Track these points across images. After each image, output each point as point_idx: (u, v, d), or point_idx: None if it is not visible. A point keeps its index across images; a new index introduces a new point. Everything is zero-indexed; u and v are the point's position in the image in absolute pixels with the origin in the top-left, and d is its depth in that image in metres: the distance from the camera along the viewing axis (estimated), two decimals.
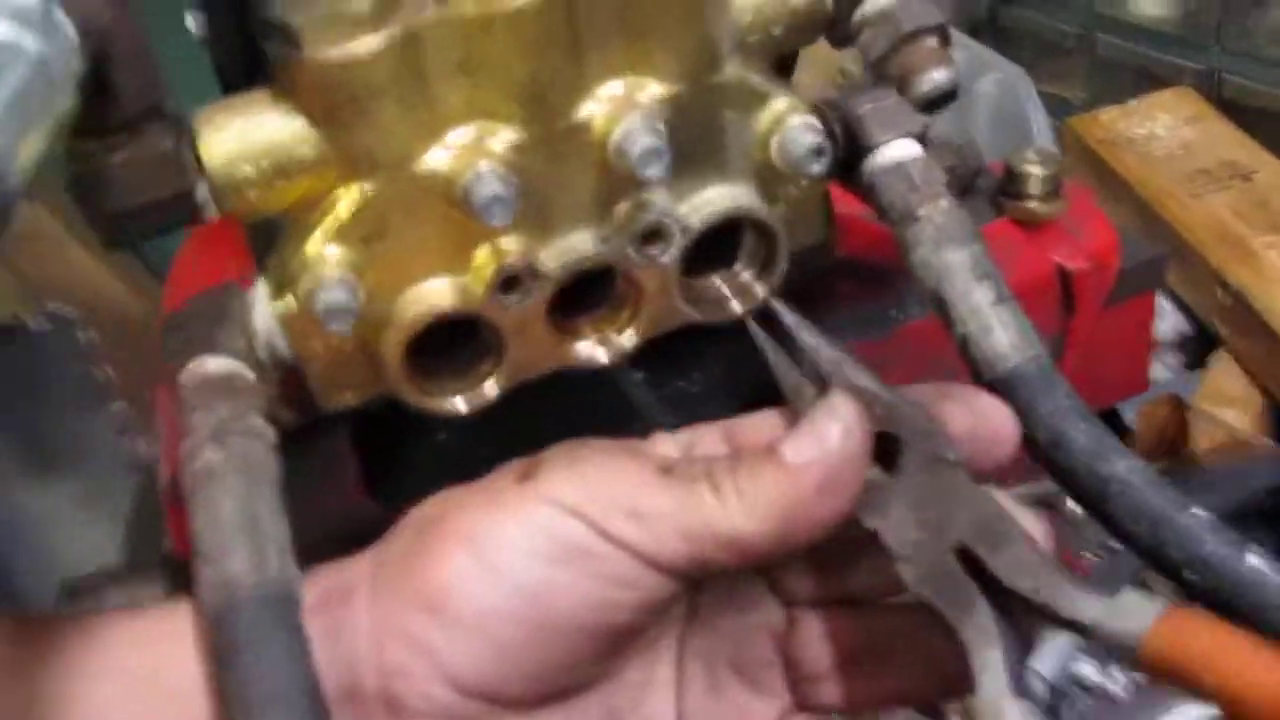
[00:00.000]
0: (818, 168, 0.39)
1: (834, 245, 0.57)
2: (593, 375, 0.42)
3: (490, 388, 0.40)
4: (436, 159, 0.36)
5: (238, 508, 0.34)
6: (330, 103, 0.34)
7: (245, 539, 0.33)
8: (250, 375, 0.39)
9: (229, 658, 0.31)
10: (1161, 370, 0.85)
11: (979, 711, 0.31)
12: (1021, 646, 0.32)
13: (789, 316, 0.38)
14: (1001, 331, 0.42)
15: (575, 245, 0.38)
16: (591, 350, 0.40)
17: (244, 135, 0.35)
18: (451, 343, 0.41)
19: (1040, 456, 0.41)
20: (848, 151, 0.45)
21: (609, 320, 0.41)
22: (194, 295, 0.41)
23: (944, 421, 0.35)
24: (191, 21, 0.40)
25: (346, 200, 0.36)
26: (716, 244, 0.42)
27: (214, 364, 0.38)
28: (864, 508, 0.34)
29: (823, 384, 0.36)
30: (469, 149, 0.36)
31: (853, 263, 0.62)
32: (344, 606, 0.34)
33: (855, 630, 0.37)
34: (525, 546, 0.32)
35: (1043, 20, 1.07)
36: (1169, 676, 0.30)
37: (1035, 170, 0.63)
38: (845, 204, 0.56)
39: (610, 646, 0.34)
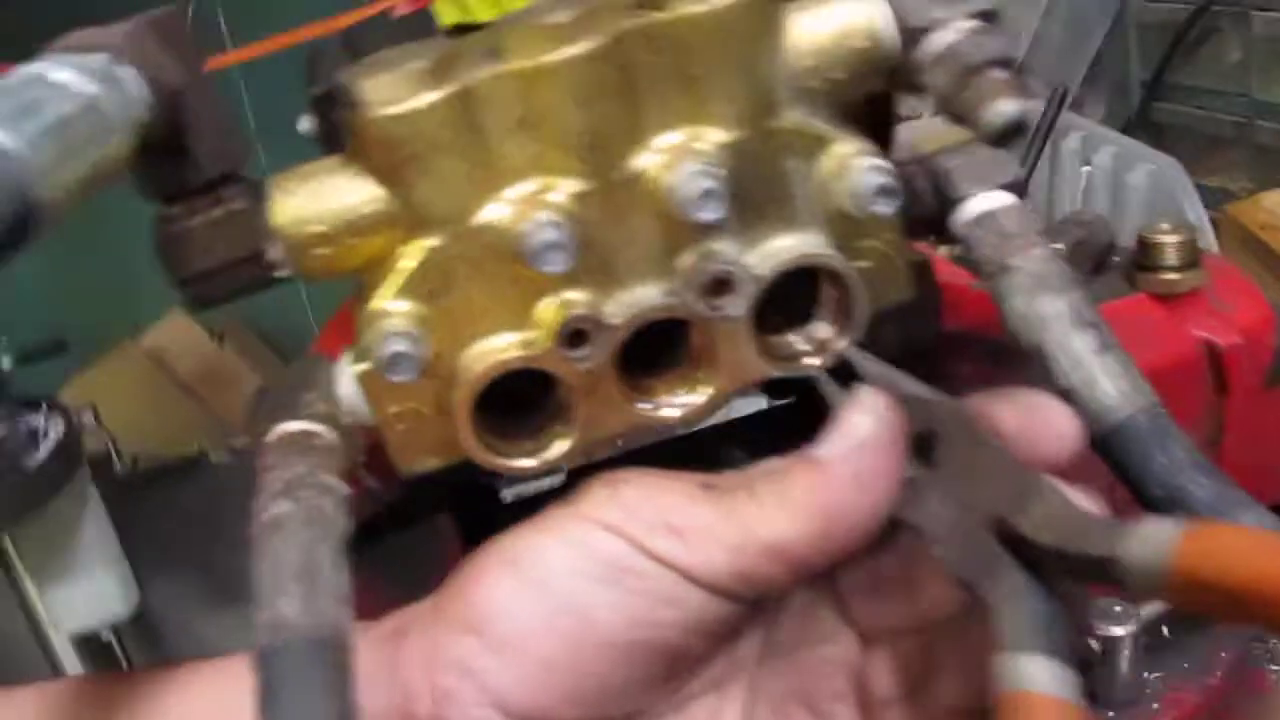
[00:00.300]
0: (886, 209, 0.38)
1: (937, 313, 0.55)
2: (694, 457, 0.41)
3: (560, 447, 0.39)
4: (496, 213, 0.36)
5: (297, 556, 0.34)
6: (391, 160, 0.35)
7: (301, 585, 0.33)
8: (329, 436, 0.39)
9: (270, 696, 0.30)
10: None
11: (999, 666, 0.28)
12: (1059, 608, 0.30)
13: (852, 354, 0.38)
14: (1108, 382, 0.39)
15: (641, 298, 0.38)
16: (663, 409, 0.40)
17: (313, 195, 0.36)
18: (526, 406, 0.41)
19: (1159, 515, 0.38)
20: (938, 207, 0.44)
21: (683, 379, 0.40)
22: (285, 367, 0.43)
23: (992, 419, 0.33)
24: (302, 123, 0.43)
25: (410, 256, 0.37)
26: (797, 299, 0.41)
27: (293, 426, 0.39)
28: (905, 505, 0.33)
29: None
30: (528, 202, 0.36)
31: (973, 340, 0.60)
32: (401, 640, 0.35)
33: (918, 650, 0.35)
34: (567, 565, 0.32)
35: (1198, 112, 1.03)
36: (1201, 602, 0.25)
37: (1169, 239, 0.60)
38: (960, 276, 0.54)
39: (663, 671, 0.33)
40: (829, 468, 0.32)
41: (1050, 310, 0.40)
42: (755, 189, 0.38)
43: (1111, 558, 0.27)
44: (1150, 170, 0.92)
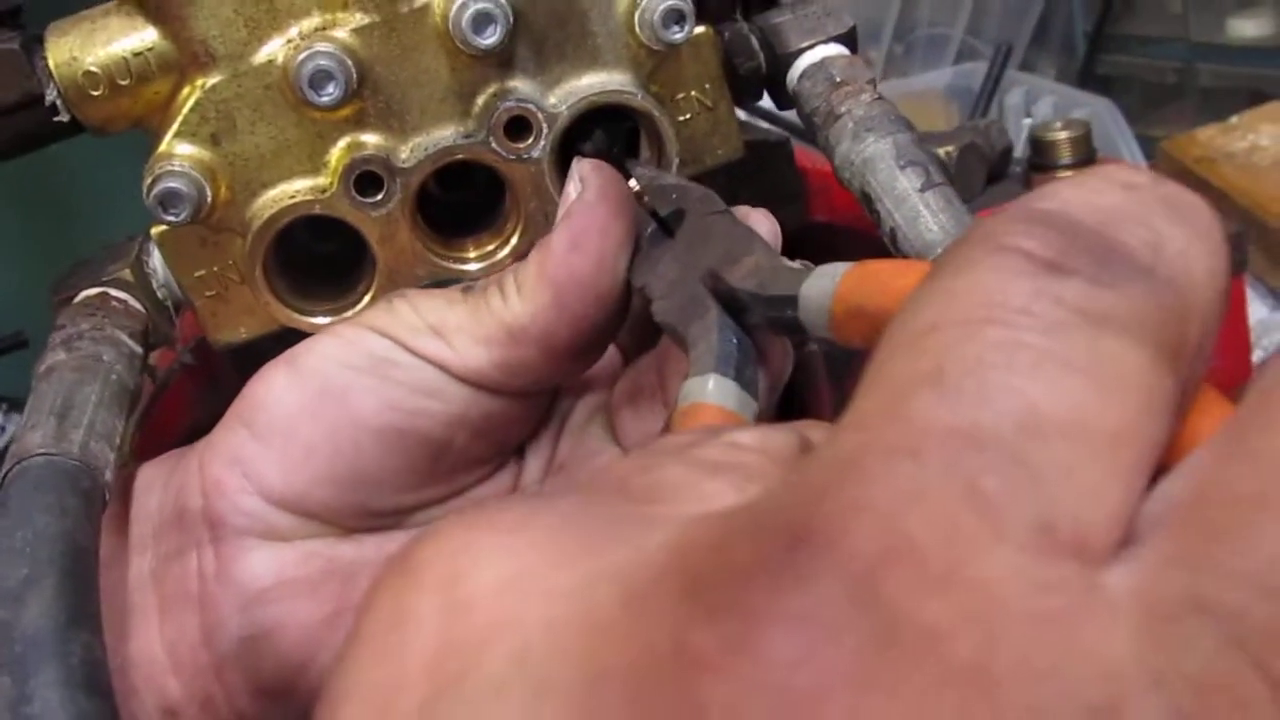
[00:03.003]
0: (679, 34, 0.36)
1: (801, 196, 0.53)
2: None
3: (364, 305, 0.38)
4: (275, 49, 0.35)
5: (58, 393, 0.33)
6: None
7: (53, 419, 0.32)
8: (130, 299, 0.38)
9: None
10: None
11: (685, 390, 0.28)
12: (749, 343, 0.29)
13: (630, 164, 0.37)
14: (930, 218, 0.38)
15: (437, 140, 0.37)
16: (467, 260, 0.38)
17: (87, 36, 0.35)
18: (338, 270, 0.40)
19: None
20: (770, 64, 0.43)
21: (493, 236, 0.39)
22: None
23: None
24: None
25: (189, 97, 0.36)
26: (615, 151, 0.40)
27: (91, 291, 0.38)
28: (641, 273, 0.33)
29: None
30: (308, 37, 0.35)
31: (866, 243, 0.58)
32: (191, 448, 0.35)
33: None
34: (334, 357, 0.33)
35: (1141, 60, 1.01)
36: (860, 333, 0.24)
37: (1061, 135, 0.58)
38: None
39: (426, 465, 0.34)
40: (551, 240, 0.33)
41: (874, 151, 0.39)
42: (552, 26, 0.37)
43: (794, 295, 0.26)
44: (1088, 114, 0.91)
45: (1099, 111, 0.90)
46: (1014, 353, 0.16)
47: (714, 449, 0.19)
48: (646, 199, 0.36)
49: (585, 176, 0.33)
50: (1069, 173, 0.59)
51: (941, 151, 0.61)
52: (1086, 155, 0.58)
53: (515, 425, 0.35)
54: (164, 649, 0.33)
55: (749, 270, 0.30)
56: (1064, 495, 0.15)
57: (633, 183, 0.37)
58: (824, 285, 0.25)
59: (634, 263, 0.34)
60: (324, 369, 0.33)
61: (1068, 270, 0.17)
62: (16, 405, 1.27)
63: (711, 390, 0.27)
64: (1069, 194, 0.18)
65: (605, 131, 0.40)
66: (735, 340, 0.29)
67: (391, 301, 0.34)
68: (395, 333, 0.33)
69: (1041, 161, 0.59)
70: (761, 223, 0.34)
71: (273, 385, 0.33)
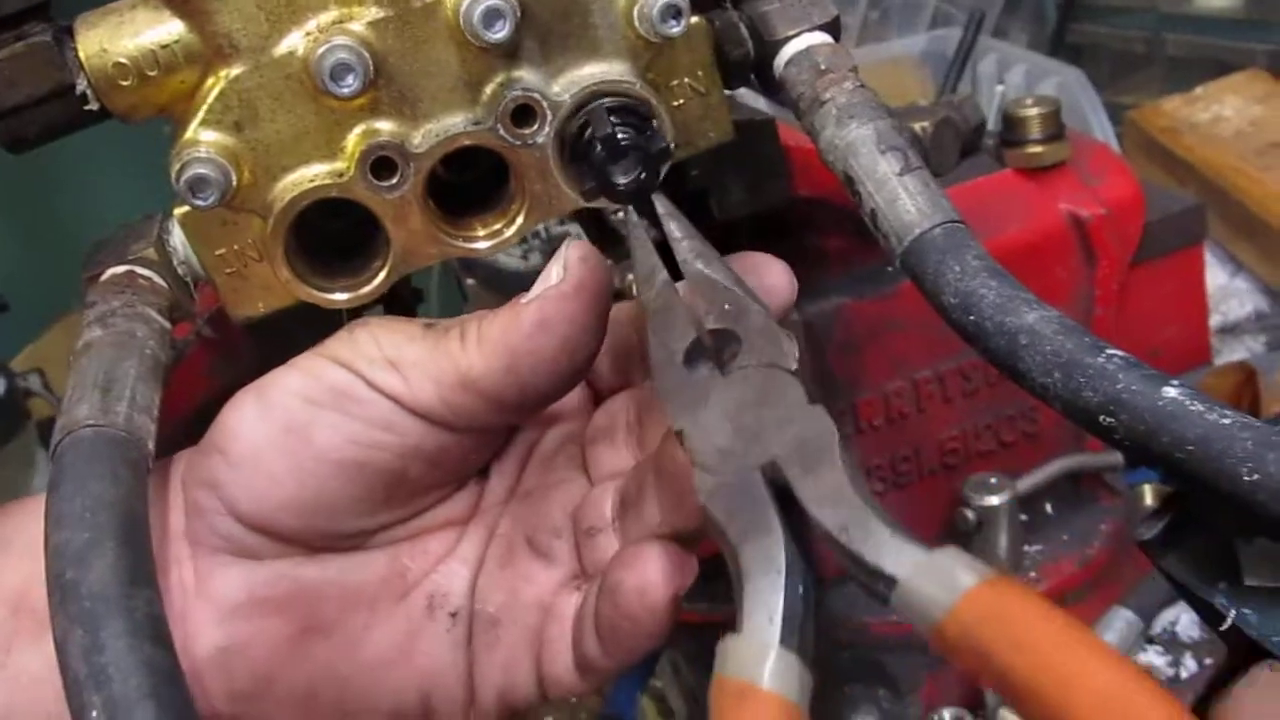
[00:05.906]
0: (675, 28, 0.39)
1: (785, 173, 0.56)
2: None
3: (377, 280, 0.40)
4: (295, 42, 0.37)
5: (99, 368, 0.35)
6: None
7: (97, 392, 0.34)
8: (155, 277, 0.41)
9: (54, 485, 0.32)
10: (1244, 353, 0.79)
11: (738, 654, 0.25)
12: (812, 589, 0.26)
13: (662, 204, 0.39)
14: (908, 200, 0.40)
15: (448, 127, 0.39)
16: (476, 242, 0.41)
17: (115, 28, 0.37)
18: (355, 250, 0.42)
19: (954, 324, 0.39)
20: (758, 51, 0.45)
21: (500, 215, 0.41)
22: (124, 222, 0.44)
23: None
24: None
25: (213, 87, 0.38)
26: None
27: (118, 269, 0.41)
28: (675, 404, 0.31)
29: (676, 270, 0.36)
30: (325, 30, 0.37)
31: (838, 212, 0.60)
32: (176, 462, 0.37)
33: (633, 481, 0.37)
34: (298, 391, 0.35)
35: (1110, 30, 1.04)
36: (965, 660, 0.22)
37: (1032, 112, 0.61)
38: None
39: (383, 493, 0.36)
40: (519, 310, 0.34)
41: (857, 136, 0.41)
42: (556, 19, 0.39)
43: (894, 577, 0.24)
44: (1058, 83, 0.93)
45: (1069, 81, 0.93)
46: None
47: None
48: (690, 299, 0.33)
49: (570, 265, 0.34)
50: (1039, 148, 0.61)
51: (918, 126, 0.63)
52: (1055, 131, 0.61)
53: (470, 456, 0.37)
54: None
55: (826, 494, 0.26)
56: None
57: (679, 250, 0.35)
58: (939, 595, 0.23)
59: (669, 380, 0.31)
60: (288, 404, 0.35)
61: None
62: (0, 368, 1.28)
63: (770, 672, 0.24)
64: None
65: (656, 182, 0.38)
66: (802, 588, 0.25)
67: (354, 331, 0.36)
68: (354, 364, 0.35)
69: (1012, 137, 0.62)
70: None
71: (244, 416, 0.35)
